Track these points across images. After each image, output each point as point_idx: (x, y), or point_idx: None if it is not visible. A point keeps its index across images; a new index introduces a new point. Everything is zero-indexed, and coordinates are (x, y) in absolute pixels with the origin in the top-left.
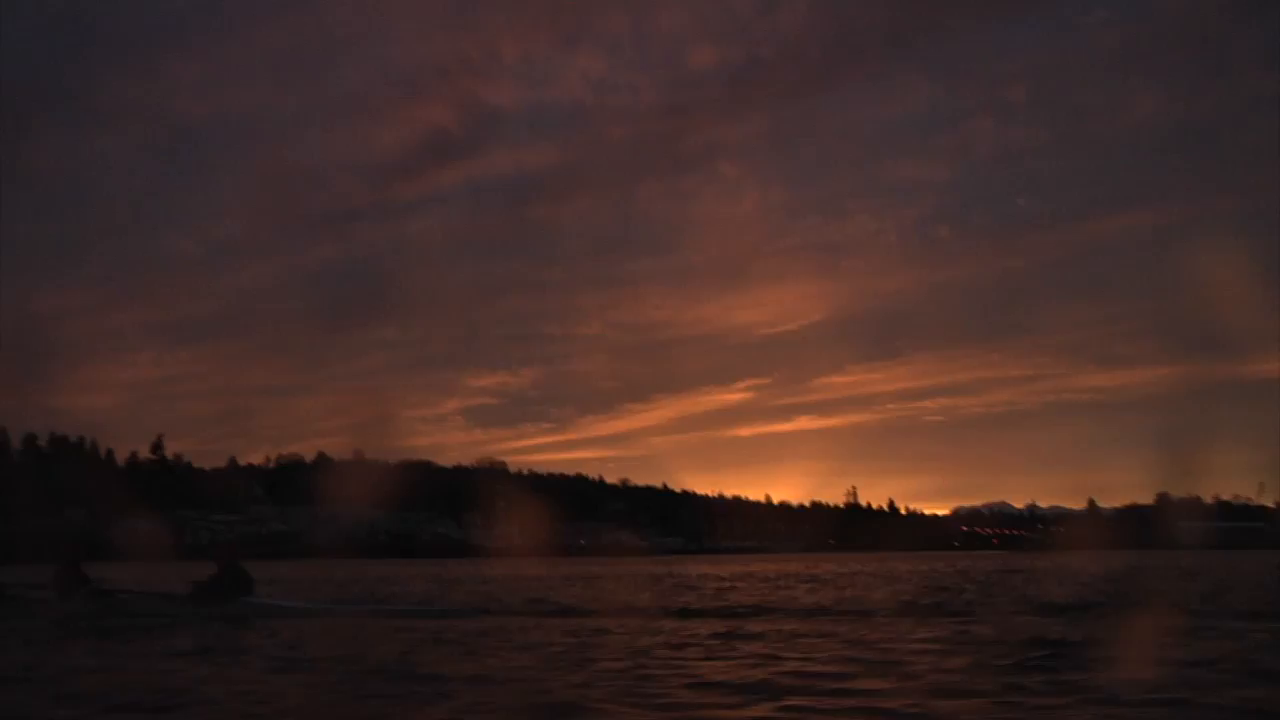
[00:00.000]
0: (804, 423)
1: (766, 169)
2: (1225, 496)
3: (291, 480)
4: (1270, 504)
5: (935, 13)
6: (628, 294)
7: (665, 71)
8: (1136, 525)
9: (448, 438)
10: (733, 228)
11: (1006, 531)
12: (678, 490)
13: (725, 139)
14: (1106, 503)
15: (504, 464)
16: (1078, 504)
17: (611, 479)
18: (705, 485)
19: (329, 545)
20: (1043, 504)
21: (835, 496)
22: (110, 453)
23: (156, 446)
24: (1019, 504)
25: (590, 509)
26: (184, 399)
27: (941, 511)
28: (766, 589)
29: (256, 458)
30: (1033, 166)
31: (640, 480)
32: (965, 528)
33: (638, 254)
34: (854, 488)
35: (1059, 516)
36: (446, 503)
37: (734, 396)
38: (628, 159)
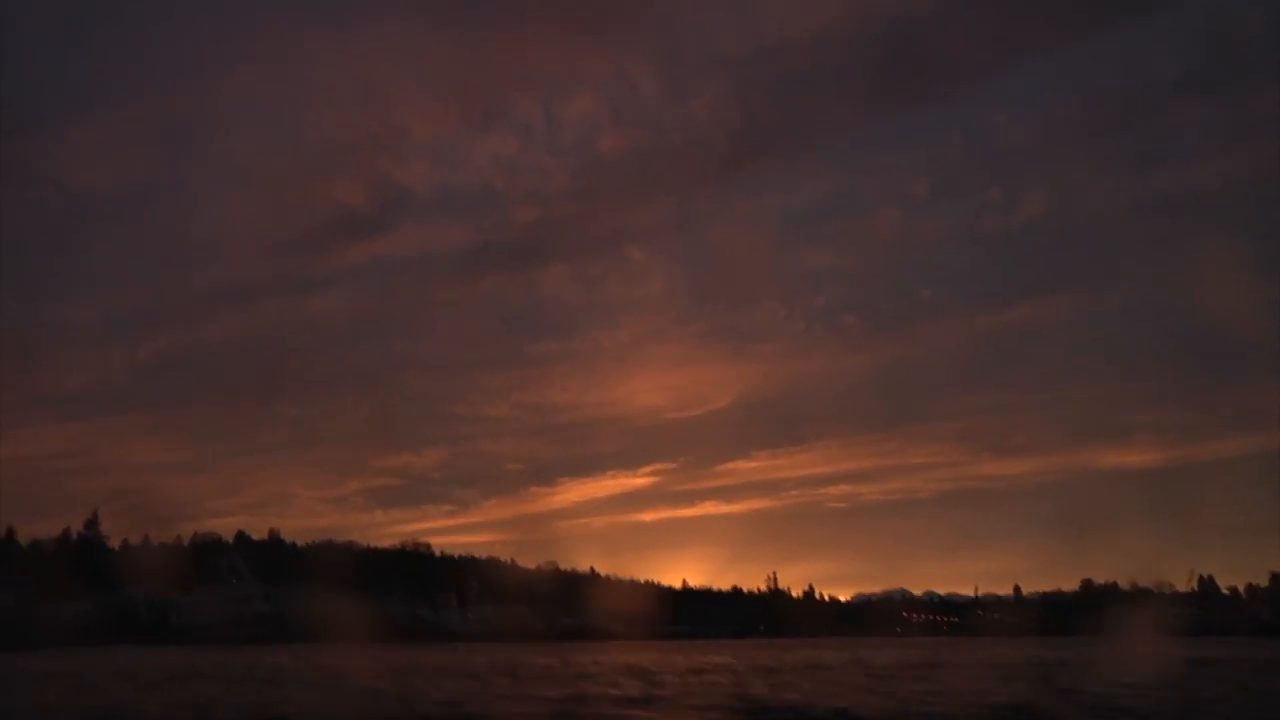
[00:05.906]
0: (709, 508)
1: (674, 254)
2: (1144, 583)
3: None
4: (1187, 589)
5: (841, 105)
6: (535, 376)
7: (575, 155)
8: (1059, 613)
9: (347, 519)
10: (640, 311)
11: (949, 619)
12: (603, 574)
13: (634, 223)
14: (1028, 589)
15: (428, 545)
16: (971, 591)
17: (528, 564)
18: (614, 570)
19: (321, 630)
20: (941, 590)
21: (746, 582)
22: (12, 531)
23: (91, 523)
24: (917, 590)
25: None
26: (71, 475)
27: (844, 597)
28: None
29: (165, 536)
30: (936, 257)
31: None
32: (906, 613)
33: (545, 336)
34: (774, 573)
35: (964, 604)
36: (421, 586)
37: (640, 481)
38: (537, 241)
